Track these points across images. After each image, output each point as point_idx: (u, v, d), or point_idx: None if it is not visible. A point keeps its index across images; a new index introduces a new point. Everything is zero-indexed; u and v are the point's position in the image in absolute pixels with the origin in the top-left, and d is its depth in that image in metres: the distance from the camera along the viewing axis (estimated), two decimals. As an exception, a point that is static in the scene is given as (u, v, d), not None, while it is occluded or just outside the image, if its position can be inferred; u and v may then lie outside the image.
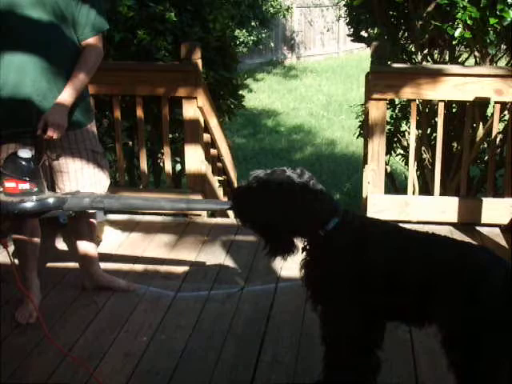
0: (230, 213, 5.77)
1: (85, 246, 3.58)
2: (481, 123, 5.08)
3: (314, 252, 2.45)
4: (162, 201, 3.31)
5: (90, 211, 3.46)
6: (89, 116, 3.40)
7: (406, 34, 5.53)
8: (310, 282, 2.48)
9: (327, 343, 2.51)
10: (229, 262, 4.04)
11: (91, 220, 3.55)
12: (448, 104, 5.01)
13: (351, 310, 2.39)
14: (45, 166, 3.21)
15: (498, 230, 4.38)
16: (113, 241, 4.34)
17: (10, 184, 2.95)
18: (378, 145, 4.46)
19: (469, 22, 4.48)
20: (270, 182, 2.35)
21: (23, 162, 2.97)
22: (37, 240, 3.41)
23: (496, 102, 4.40)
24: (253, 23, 15.02)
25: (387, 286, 2.33)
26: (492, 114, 4.65)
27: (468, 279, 2.21)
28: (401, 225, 2.56)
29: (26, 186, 2.96)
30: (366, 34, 5.88)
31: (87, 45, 3.23)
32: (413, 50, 5.48)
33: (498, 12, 4.41)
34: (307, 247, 2.46)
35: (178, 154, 5.48)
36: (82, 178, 3.35)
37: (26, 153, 2.99)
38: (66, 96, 3.13)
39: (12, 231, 3.38)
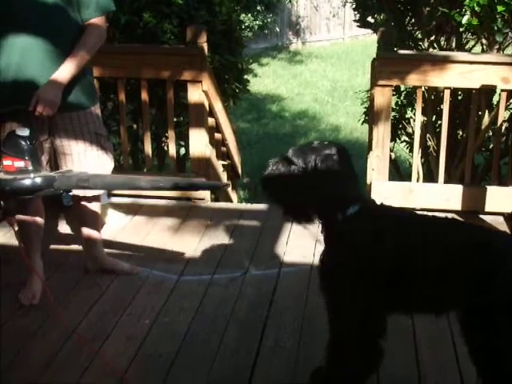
0: (234, 197, 5.78)
1: (88, 229, 3.58)
2: (486, 111, 5.06)
3: (331, 237, 2.42)
4: (143, 181, 3.33)
5: (96, 193, 3.47)
6: (93, 98, 3.39)
7: (413, 21, 5.50)
8: (323, 268, 2.45)
9: (333, 332, 2.49)
10: (232, 247, 4.04)
11: (97, 202, 3.56)
12: (454, 91, 4.99)
13: (361, 301, 2.35)
14: (43, 146, 3.21)
15: (501, 218, 4.38)
16: (116, 224, 4.34)
17: (7, 162, 2.97)
18: (382, 131, 4.45)
19: (476, 8, 4.45)
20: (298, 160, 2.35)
21: (19, 140, 2.97)
22: (41, 221, 3.42)
23: (502, 90, 4.38)
24: (258, 8, 14.93)
25: (405, 277, 2.30)
26: (498, 102, 4.63)
27: (487, 265, 2.21)
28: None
29: (20, 163, 2.97)
30: (372, 20, 5.86)
31: (89, 24, 3.21)
32: (419, 36, 5.45)
33: (506, -1, 4.39)
34: (325, 231, 2.42)
35: (183, 138, 5.48)
36: (85, 161, 3.35)
37: (23, 131, 3.00)
38: (61, 73, 3.11)
39: (16, 212, 3.38)
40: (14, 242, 3.63)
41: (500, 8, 4.40)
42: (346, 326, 2.42)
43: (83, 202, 3.50)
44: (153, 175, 4.97)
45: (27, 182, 2.93)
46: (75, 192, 3.22)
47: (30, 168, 2.97)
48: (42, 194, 3.00)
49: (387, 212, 2.45)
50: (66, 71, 3.12)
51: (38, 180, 2.96)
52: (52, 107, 3.10)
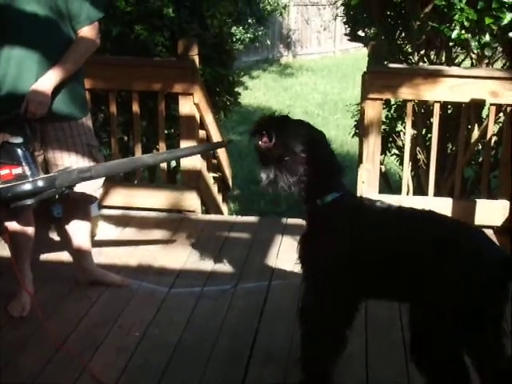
0: (225, 209, 5.78)
1: (79, 240, 3.58)
2: (476, 125, 5.09)
3: (311, 223, 2.54)
4: (145, 157, 3.36)
5: (85, 204, 3.46)
6: (84, 109, 3.41)
7: (403, 35, 5.53)
8: (302, 255, 2.55)
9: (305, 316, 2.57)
10: (222, 259, 4.04)
11: (87, 214, 3.56)
12: (444, 105, 5.02)
13: (334, 287, 2.45)
14: (36, 158, 3.22)
15: (491, 231, 4.39)
16: (107, 236, 4.33)
17: (3, 171, 2.99)
18: (373, 144, 4.47)
19: (466, 23, 4.49)
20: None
21: (14, 148, 3.01)
22: (31, 232, 3.40)
23: (491, 104, 4.41)
24: (250, 20, 14.98)
25: (379, 264, 2.38)
26: (487, 116, 4.66)
27: (460, 261, 2.26)
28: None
29: (18, 170, 2.99)
30: (363, 34, 5.88)
31: (80, 34, 3.23)
32: (409, 50, 5.48)
33: (493, 12, 4.43)
34: (307, 217, 2.54)
35: (174, 150, 5.48)
36: None
37: (16, 139, 3.04)
38: (48, 76, 3.13)
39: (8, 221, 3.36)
40: (3, 253, 3.62)
41: (488, 20, 4.44)
42: (320, 311, 2.50)
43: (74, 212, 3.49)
44: (147, 186, 4.99)
45: (28, 185, 2.94)
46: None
47: (29, 173, 3.00)
48: (45, 196, 3.00)
49: (365, 203, 2.56)
50: (52, 75, 3.13)
51: (40, 182, 2.98)
52: (43, 107, 3.11)
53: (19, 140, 3.03)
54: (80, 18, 3.20)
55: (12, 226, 3.29)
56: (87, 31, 3.24)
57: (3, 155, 3.03)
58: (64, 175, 3.00)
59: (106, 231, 4.39)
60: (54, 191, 3.00)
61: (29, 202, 2.97)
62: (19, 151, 3.02)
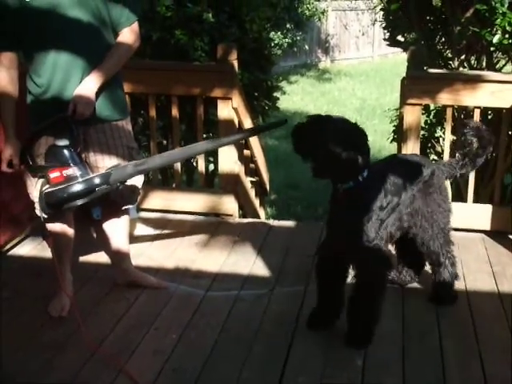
0: (262, 213, 5.79)
1: (118, 242, 3.61)
2: (517, 131, 5.03)
3: (354, 194, 3.05)
4: (198, 145, 3.47)
5: (124, 206, 3.50)
6: (124, 111, 3.45)
7: (443, 40, 5.49)
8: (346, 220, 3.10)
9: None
10: (259, 263, 4.04)
11: (126, 216, 3.59)
12: (484, 111, 4.96)
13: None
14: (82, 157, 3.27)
15: (531, 239, 4.34)
16: (145, 238, 4.37)
17: (54, 174, 3.03)
18: (411, 150, 4.44)
19: (508, 28, 4.44)
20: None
21: (62, 150, 3.05)
22: (71, 234, 3.45)
23: (533, 110, 4.35)
24: (288, 25, 15.01)
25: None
26: (529, 122, 4.60)
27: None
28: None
29: (69, 171, 3.03)
30: (402, 39, 5.85)
31: (119, 38, 3.28)
32: (449, 55, 5.44)
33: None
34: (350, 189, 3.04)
35: (212, 154, 5.51)
36: None
37: (62, 141, 3.08)
38: (90, 79, 3.17)
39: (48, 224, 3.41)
40: (45, 254, 3.68)
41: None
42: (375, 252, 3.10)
43: (112, 218, 3.54)
44: (185, 190, 5.01)
45: (83, 184, 2.98)
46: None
47: (79, 173, 3.03)
48: (99, 194, 3.03)
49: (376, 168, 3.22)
50: (94, 78, 3.18)
51: (96, 179, 3.01)
52: (90, 107, 3.16)
53: (66, 142, 3.08)
54: (120, 20, 3.25)
55: (53, 227, 3.34)
56: (127, 34, 3.29)
57: (51, 158, 3.08)
58: (118, 171, 3.03)
59: (144, 234, 4.43)
60: (108, 188, 3.04)
61: (81, 201, 3.02)
62: (67, 153, 3.06)
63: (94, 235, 4.31)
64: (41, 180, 3.15)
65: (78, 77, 3.17)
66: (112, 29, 3.26)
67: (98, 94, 3.21)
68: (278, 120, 3.36)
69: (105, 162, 3.32)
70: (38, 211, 3.18)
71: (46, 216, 3.15)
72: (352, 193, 3.04)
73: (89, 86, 3.16)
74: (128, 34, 3.29)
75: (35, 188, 3.20)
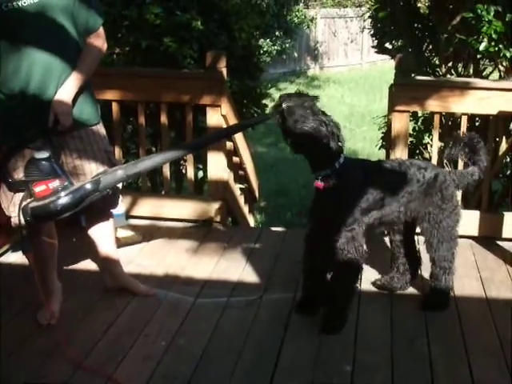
0: (251, 220, 5.80)
1: (106, 247, 3.59)
2: (504, 137, 5.06)
3: (332, 181, 3.19)
4: (185, 144, 3.46)
5: (107, 209, 3.49)
6: (97, 115, 3.39)
7: (431, 47, 5.54)
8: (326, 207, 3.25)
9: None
10: (248, 270, 4.05)
11: (110, 220, 3.58)
12: (471, 117, 5.00)
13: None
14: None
15: (519, 244, 4.37)
16: (134, 245, 4.37)
17: (40, 188, 2.92)
18: (400, 156, 4.45)
19: (494, 35, 4.48)
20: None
21: (43, 162, 2.95)
22: (54, 243, 3.42)
23: (520, 117, 4.39)
24: (277, 33, 15.07)
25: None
26: (515, 129, 4.64)
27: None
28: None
29: (55, 183, 2.92)
30: (390, 46, 5.89)
31: (88, 43, 3.24)
32: (437, 62, 5.48)
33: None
34: (327, 176, 3.19)
35: (201, 161, 5.52)
36: None
37: (42, 153, 2.98)
38: (66, 87, 3.12)
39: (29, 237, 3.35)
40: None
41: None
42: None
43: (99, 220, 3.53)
44: (174, 197, 5.02)
45: (73, 195, 2.88)
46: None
47: (66, 184, 2.93)
48: (89, 202, 2.95)
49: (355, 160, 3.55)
50: (70, 85, 3.13)
51: (86, 187, 2.91)
52: (70, 118, 3.12)
53: (46, 154, 2.98)
54: (88, 24, 3.20)
55: (35, 240, 3.28)
56: (95, 37, 3.25)
57: (34, 172, 2.97)
58: (108, 176, 2.96)
59: (133, 241, 4.42)
60: (98, 195, 2.97)
61: (71, 212, 2.93)
62: (49, 165, 2.97)
63: (81, 243, 4.30)
64: (19, 194, 3.06)
65: (56, 78, 3.10)
66: (79, 32, 3.20)
67: (73, 100, 3.16)
68: (261, 117, 3.38)
69: (85, 169, 3.27)
70: (14, 225, 3.10)
71: (24, 231, 3.04)
72: (329, 179, 3.20)
73: (67, 94, 3.11)
74: (97, 38, 3.26)
75: (11, 203, 3.13)
